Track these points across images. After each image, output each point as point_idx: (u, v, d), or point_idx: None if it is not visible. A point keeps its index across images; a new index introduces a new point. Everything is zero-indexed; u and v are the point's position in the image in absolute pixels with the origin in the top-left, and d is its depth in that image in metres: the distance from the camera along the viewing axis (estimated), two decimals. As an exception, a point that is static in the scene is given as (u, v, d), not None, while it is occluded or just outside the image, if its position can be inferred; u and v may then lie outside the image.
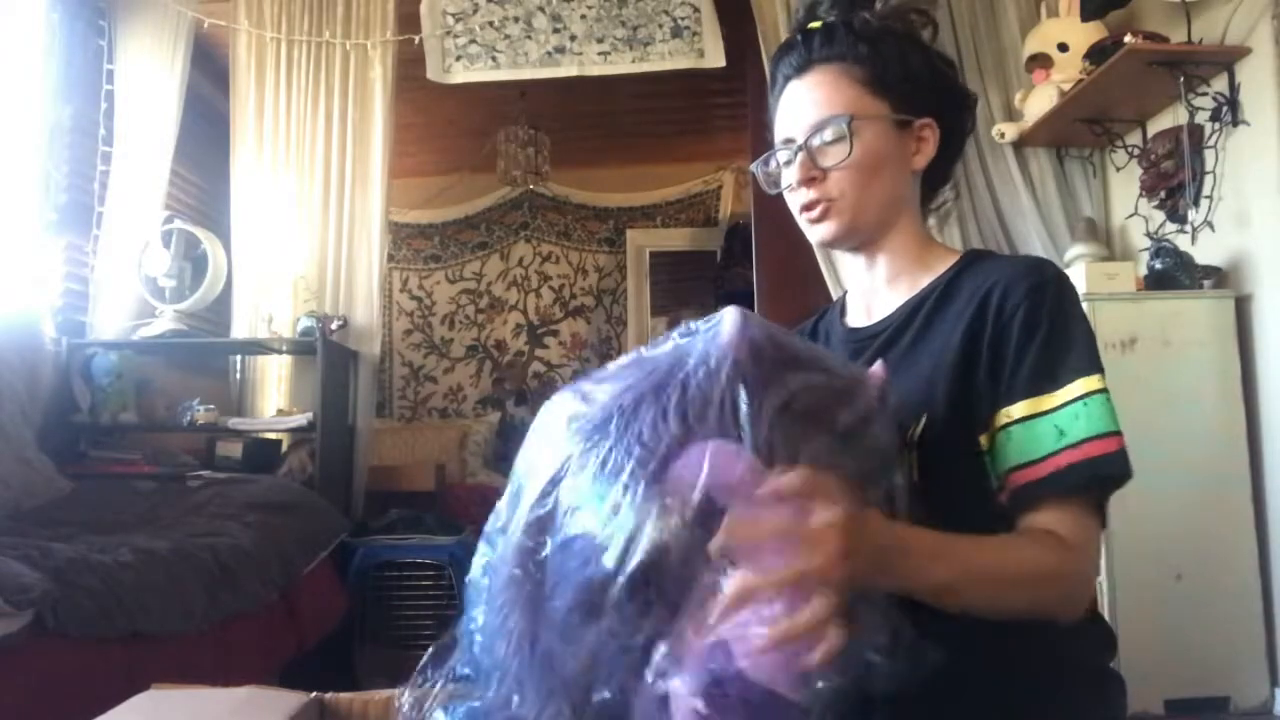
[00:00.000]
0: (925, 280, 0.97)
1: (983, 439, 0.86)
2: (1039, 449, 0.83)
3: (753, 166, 1.04)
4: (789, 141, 0.98)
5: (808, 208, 0.97)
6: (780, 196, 1.03)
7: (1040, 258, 0.95)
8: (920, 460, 0.86)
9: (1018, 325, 0.86)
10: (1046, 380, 0.84)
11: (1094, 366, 0.85)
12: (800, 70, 0.97)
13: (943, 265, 0.98)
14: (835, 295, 2.86)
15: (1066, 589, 0.80)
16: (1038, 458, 0.82)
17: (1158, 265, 2.38)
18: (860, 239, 0.99)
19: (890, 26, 0.97)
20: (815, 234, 0.99)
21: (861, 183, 0.94)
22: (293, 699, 0.86)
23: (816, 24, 0.98)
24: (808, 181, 0.95)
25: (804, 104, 0.96)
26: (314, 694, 0.89)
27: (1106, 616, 1.11)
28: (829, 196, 0.95)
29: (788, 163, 0.98)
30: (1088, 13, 2.58)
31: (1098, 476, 0.82)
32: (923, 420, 0.86)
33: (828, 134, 0.94)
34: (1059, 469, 0.81)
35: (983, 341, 0.87)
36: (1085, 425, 0.82)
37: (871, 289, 1.02)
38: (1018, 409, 0.84)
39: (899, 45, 0.97)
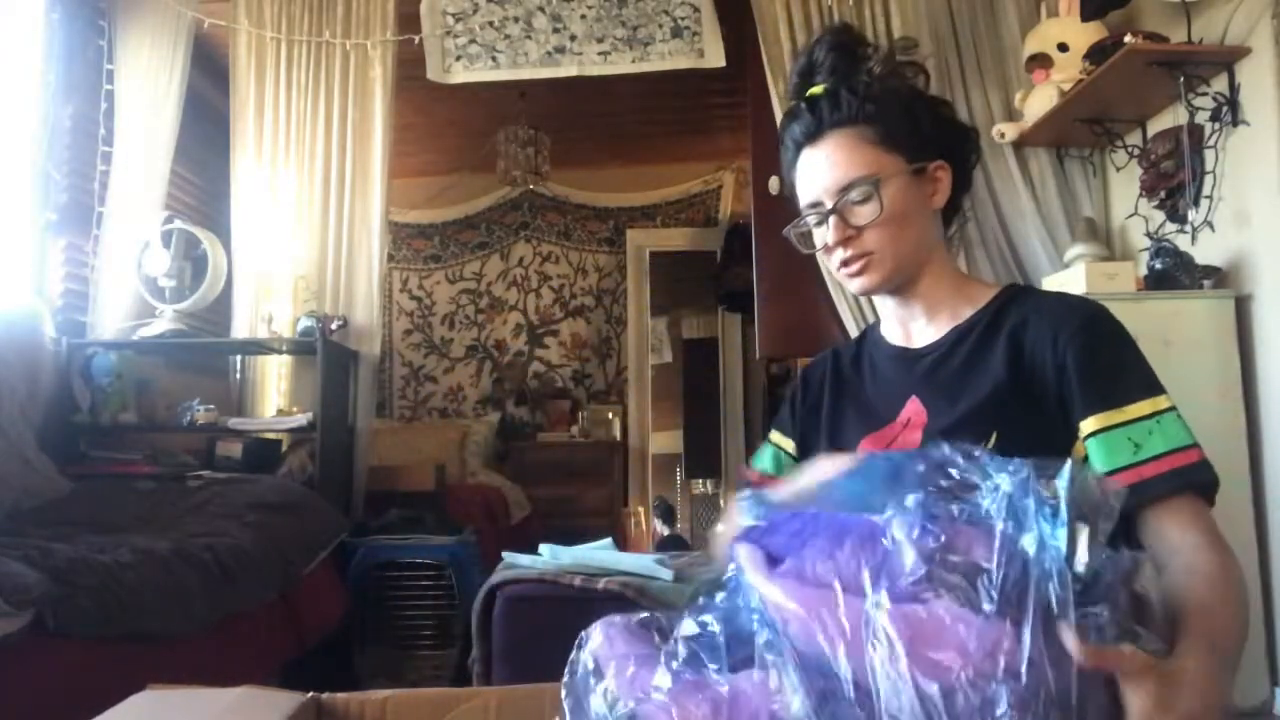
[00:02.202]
0: (967, 311, 1.05)
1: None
2: (1117, 460, 0.88)
3: (785, 231, 1.10)
4: (816, 205, 1.04)
5: (846, 263, 1.03)
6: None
7: (1083, 296, 1.03)
8: None
9: (1075, 353, 0.93)
10: (1112, 398, 0.91)
11: (1157, 389, 0.92)
12: (812, 138, 1.03)
13: (983, 298, 1.05)
14: (835, 295, 2.87)
15: (1233, 559, 0.84)
16: (1117, 468, 0.88)
17: (1158, 265, 2.38)
18: (898, 284, 1.05)
19: (890, 85, 1.03)
20: (856, 286, 1.05)
21: (894, 235, 1.01)
22: (289, 699, 0.86)
23: (818, 89, 1.03)
24: (844, 242, 1.01)
25: (824, 170, 1.02)
26: (310, 694, 0.89)
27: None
28: (865, 251, 1.01)
29: (818, 224, 1.04)
30: (1088, 13, 2.58)
31: (1185, 484, 0.87)
32: (994, 437, 0.91)
33: (855, 195, 1.00)
34: (1142, 480, 0.86)
35: (1045, 371, 0.94)
36: (1161, 440, 0.88)
37: (909, 319, 1.09)
38: (1089, 423, 0.91)
39: (901, 101, 1.03)
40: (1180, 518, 0.86)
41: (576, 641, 0.80)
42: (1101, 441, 0.90)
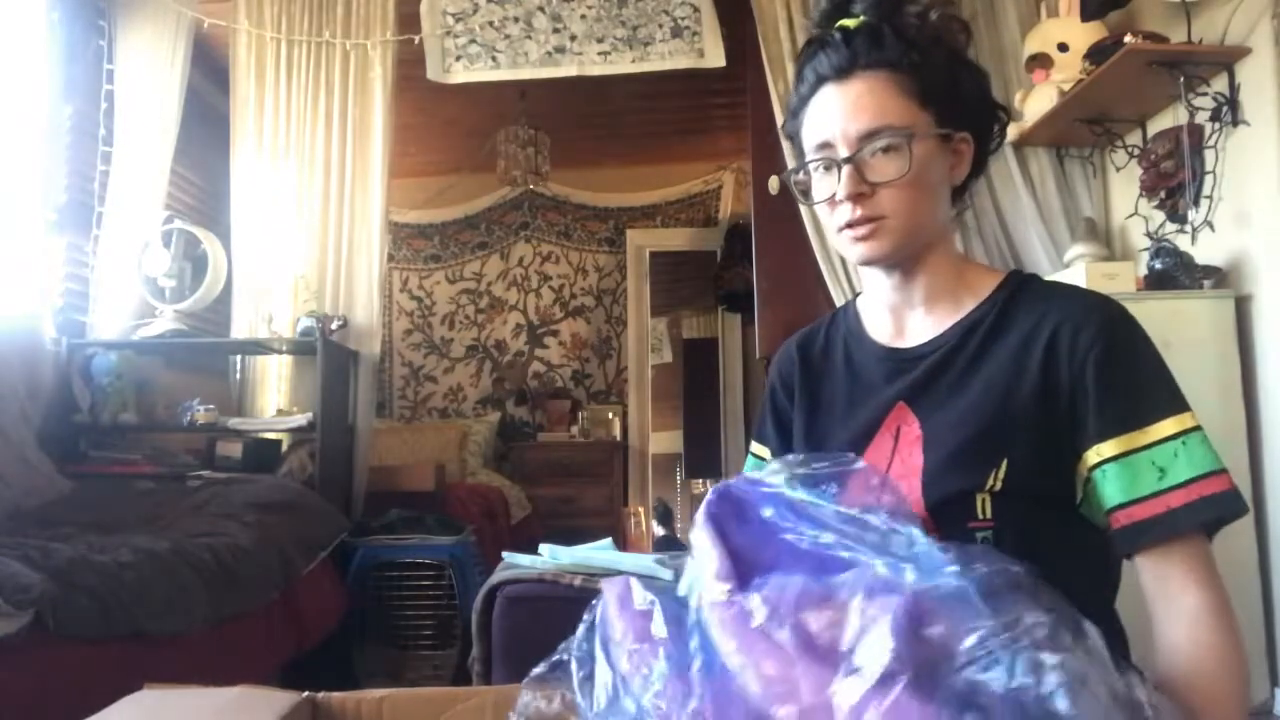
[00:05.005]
0: (969, 302, 0.94)
1: (1077, 486, 0.85)
2: (1140, 487, 0.80)
3: (783, 175, 0.99)
4: (826, 146, 0.90)
5: (853, 225, 0.90)
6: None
7: (1099, 293, 0.91)
8: (998, 507, 0.83)
9: (1095, 364, 0.83)
10: (1134, 417, 0.81)
11: (1182, 404, 0.82)
12: (841, 74, 0.90)
13: (986, 286, 0.94)
14: (835, 295, 2.85)
15: (1236, 634, 0.79)
16: (1140, 497, 0.80)
17: (1158, 265, 2.38)
18: (902, 258, 0.93)
19: (938, 37, 0.92)
20: (858, 253, 0.92)
21: (913, 201, 0.89)
22: (284, 698, 0.86)
23: (853, 22, 0.91)
24: (856, 198, 0.88)
25: (848, 110, 0.89)
26: (306, 694, 0.89)
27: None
28: (878, 214, 0.89)
29: (825, 168, 0.91)
30: (1088, 13, 2.58)
31: (1211, 518, 0.80)
32: (1004, 466, 0.83)
33: (881, 145, 0.87)
34: (1170, 510, 0.79)
35: (1059, 384, 0.84)
36: (1187, 465, 0.79)
37: (904, 307, 0.97)
38: (1108, 447, 0.81)
39: (947, 56, 0.92)
40: (1186, 563, 0.79)
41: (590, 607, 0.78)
42: (1122, 468, 0.80)
